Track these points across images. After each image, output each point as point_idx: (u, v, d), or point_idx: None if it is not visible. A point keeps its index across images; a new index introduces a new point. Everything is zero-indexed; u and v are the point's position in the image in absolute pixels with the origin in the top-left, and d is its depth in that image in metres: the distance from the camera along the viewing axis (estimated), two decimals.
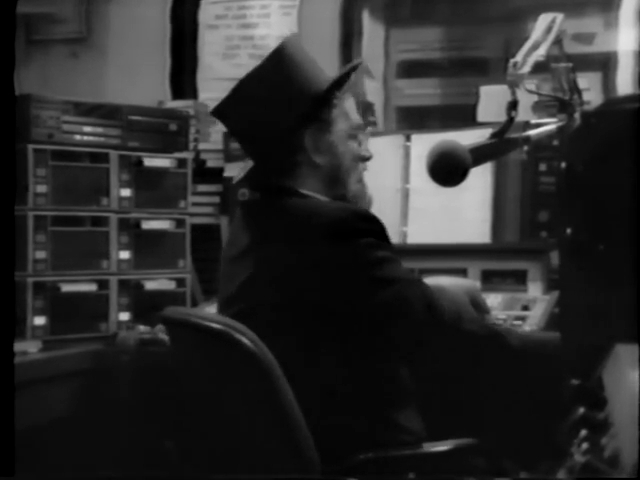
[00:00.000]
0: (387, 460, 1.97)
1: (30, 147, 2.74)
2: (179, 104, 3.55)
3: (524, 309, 2.66)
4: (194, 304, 3.13)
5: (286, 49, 2.13)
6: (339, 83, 2.14)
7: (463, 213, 2.96)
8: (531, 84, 2.42)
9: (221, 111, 2.17)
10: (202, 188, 3.46)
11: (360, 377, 2.00)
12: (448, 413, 2.15)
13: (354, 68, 2.21)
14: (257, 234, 2.09)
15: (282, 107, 2.08)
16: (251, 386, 1.90)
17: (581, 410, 1.41)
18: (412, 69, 3.67)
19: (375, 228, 2.03)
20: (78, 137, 2.89)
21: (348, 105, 2.17)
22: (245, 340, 1.85)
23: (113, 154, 2.94)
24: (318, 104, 2.11)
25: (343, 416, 1.95)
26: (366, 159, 2.21)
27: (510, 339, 2.08)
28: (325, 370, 1.96)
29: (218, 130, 3.56)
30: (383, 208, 2.56)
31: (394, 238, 3.01)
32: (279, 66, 2.10)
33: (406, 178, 3.06)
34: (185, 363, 2.15)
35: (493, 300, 2.77)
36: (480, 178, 2.87)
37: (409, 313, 1.99)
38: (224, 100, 2.15)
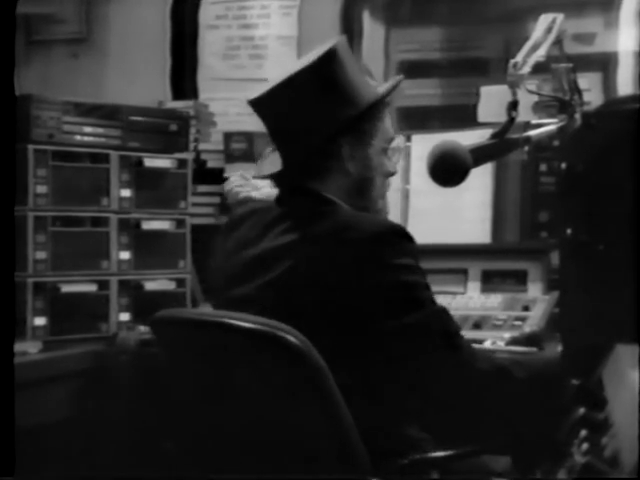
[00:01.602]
0: (420, 463, 1.96)
1: (30, 147, 2.74)
2: (179, 104, 3.55)
3: (524, 309, 2.66)
4: (194, 304, 3.13)
5: (338, 52, 2.06)
6: (380, 101, 2.11)
7: (463, 213, 2.96)
8: (531, 84, 2.42)
9: (261, 103, 2.10)
10: (202, 188, 3.46)
11: (370, 389, 1.98)
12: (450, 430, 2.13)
13: (394, 88, 2.17)
14: (290, 235, 2.02)
15: (327, 112, 2.04)
16: (301, 386, 1.85)
17: (581, 410, 1.41)
18: (412, 69, 3.66)
19: (412, 248, 2.00)
20: (78, 137, 2.89)
21: (387, 119, 2.15)
22: (293, 339, 1.80)
23: (113, 154, 2.94)
24: (363, 115, 2.07)
25: (361, 423, 1.94)
26: (392, 174, 2.18)
27: (516, 373, 2.04)
28: (347, 375, 1.94)
29: (218, 130, 3.57)
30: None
31: None
32: (329, 70, 2.04)
33: (406, 178, 3.06)
34: (196, 363, 2.10)
35: (493, 300, 2.78)
36: (480, 178, 2.87)
37: (427, 342, 1.96)
38: (267, 92, 2.07)
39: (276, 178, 2.16)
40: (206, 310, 2.17)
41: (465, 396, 1.97)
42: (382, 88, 2.15)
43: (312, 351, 1.81)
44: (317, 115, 2.04)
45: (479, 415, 2.02)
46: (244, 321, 1.88)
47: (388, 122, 2.16)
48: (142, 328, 2.87)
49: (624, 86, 3.25)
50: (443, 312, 1.99)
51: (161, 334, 2.12)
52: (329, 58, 2.05)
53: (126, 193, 2.97)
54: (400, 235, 1.98)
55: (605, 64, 3.30)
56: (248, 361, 1.93)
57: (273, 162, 2.15)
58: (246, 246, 2.12)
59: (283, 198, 2.13)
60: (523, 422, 2.04)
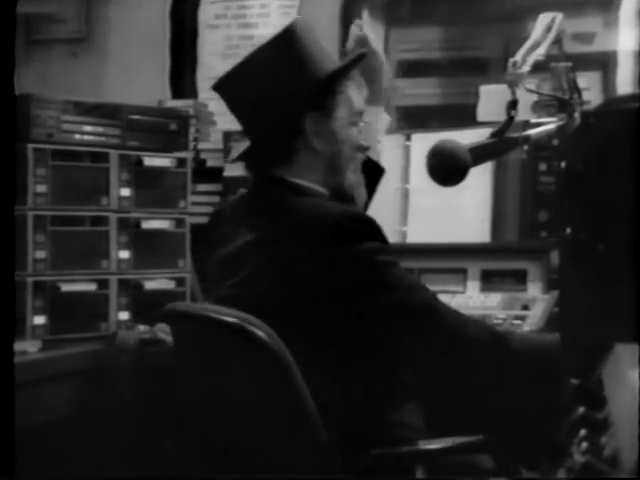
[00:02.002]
0: (391, 457, 1.96)
1: (30, 147, 2.74)
2: (179, 104, 3.54)
3: (524, 309, 2.66)
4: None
5: (296, 30, 2.09)
6: (344, 71, 2.13)
7: (463, 212, 2.96)
8: (531, 83, 2.42)
9: (223, 86, 2.13)
10: (202, 188, 3.46)
11: (357, 376, 1.99)
12: (449, 411, 2.14)
13: (360, 57, 2.19)
14: (255, 233, 2.05)
15: (286, 89, 2.05)
16: (267, 379, 1.89)
17: (581, 410, 1.41)
18: (412, 69, 3.66)
19: (375, 231, 2.02)
20: (78, 137, 2.89)
21: (352, 92, 2.14)
22: (260, 333, 1.84)
23: (113, 154, 2.94)
24: (322, 90, 2.08)
25: (339, 414, 1.95)
26: (365, 149, 2.19)
27: (512, 342, 2.07)
28: (322, 368, 1.95)
29: (218, 130, 3.57)
30: (383, 208, 2.56)
31: (394, 238, 3.03)
32: (287, 46, 2.07)
33: (406, 178, 3.07)
34: (191, 358, 2.14)
35: (493, 300, 2.78)
36: (480, 178, 2.87)
37: (411, 318, 1.98)
38: (227, 74, 2.11)
39: (246, 163, 2.18)
40: (196, 304, 2.22)
41: (456, 366, 1.99)
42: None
43: (279, 345, 1.85)
44: (276, 92, 2.05)
45: (473, 387, 2.03)
46: (218, 314, 1.94)
47: (354, 94, 2.15)
48: (142, 327, 2.87)
49: (623, 85, 3.25)
50: (420, 287, 2.02)
51: (170, 325, 2.21)
52: (286, 35, 2.07)
53: (126, 192, 2.96)
54: (362, 221, 2.00)
55: (604, 63, 3.30)
56: (223, 353, 1.98)
57: (241, 147, 2.17)
58: (221, 244, 2.15)
59: (254, 187, 2.14)
60: (519, 399, 2.05)
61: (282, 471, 1.89)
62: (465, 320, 2.02)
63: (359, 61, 2.18)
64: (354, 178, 2.15)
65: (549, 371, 1.96)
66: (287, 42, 2.07)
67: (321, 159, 2.09)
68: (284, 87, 2.05)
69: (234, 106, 2.15)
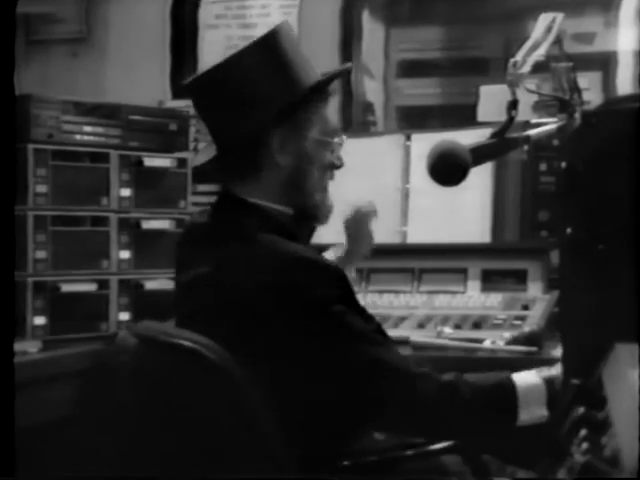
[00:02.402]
0: (366, 466, 1.95)
1: (30, 147, 2.74)
2: (179, 104, 3.55)
3: (524, 309, 2.66)
4: None
5: (277, 36, 1.97)
6: (320, 88, 2.02)
7: (463, 213, 2.96)
8: (531, 84, 2.42)
9: (194, 87, 2.01)
10: (202, 188, 3.46)
11: (310, 409, 1.91)
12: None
13: (337, 75, 2.12)
14: (208, 266, 1.95)
15: (257, 100, 1.94)
16: (220, 399, 1.87)
17: (581, 410, 1.41)
18: (412, 69, 3.67)
19: (333, 278, 1.90)
20: (78, 137, 2.89)
21: (326, 110, 2.04)
22: (211, 355, 1.81)
23: (113, 154, 2.94)
24: (295, 106, 1.97)
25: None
26: (337, 167, 2.07)
27: (466, 390, 1.95)
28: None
29: None
30: (383, 208, 2.56)
31: (394, 238, 3.03)
32: (264, 54, 1.96)
33: (406, 178, 3.07)
34: (149, 380, 2.11)
35: (493, 299, 2.78)
36: (480, 178, 2.87)
37: (354, 373, 1.88)
38: (200, 76, 2.00)
39: (210, 172, 2.10)
40: (153, 325, 2.17)
41: (409, 422, 1.93)
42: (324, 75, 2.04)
43: (231, 366, 1.81)
44: (247, 102, 1.95)
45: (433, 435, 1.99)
46: (170, 336, 1.91)
47: (329, 112, 2.06)
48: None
49: (624, 85, 3.25)
50: (364, 341, 1.89)
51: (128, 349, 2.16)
52: (264, 43, 1.97)
53: (126, 192, 2.96)
54: (316, 268, 1.90)
55: (605, 63, 3.30)
56: (177, 375, 1.95)
57: (208, 152, 2.07)
58: (180, 270, 2.08)
59: (215, 207, 2.05)
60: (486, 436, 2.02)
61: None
62: (414, 375, 1.89)
63: (338, 77, 2.10)
64: (320, 197, 2.04)
65: (509, 410, 1.93)
66: (267, 48, 1.97)
67: (284, 175, 1.98)
68: (256, 98, 1.94)
69: (201, 110, 2.03)
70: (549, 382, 1.92)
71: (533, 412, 1.91)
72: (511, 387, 1.92)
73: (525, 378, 1.94)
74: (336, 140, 2.05)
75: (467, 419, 1.91)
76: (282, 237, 1.93)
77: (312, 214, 2.05)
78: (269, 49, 1.97)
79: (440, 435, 2.00)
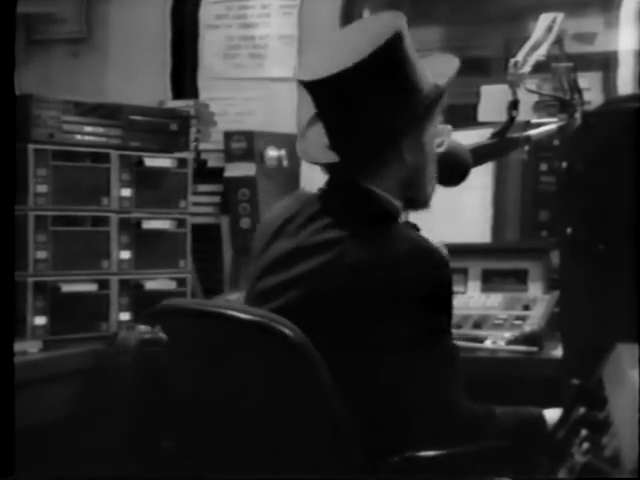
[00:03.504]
0: (415, 462, 1.95)
1: (31, 147, 2.74)
2: (180, 104, 3.54)
3: (525, 309, 2.66)
4: None
5: (400, 40, 1.95)
6: (453, 76, 2.04)
7: (464, 213, 2.96)
8: (532, 84, 2.42)
9: (324, 86, 1.94)
10: (203, 188, 3.46)
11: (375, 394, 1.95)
12: None
13: (455, 72, 2.10)
14: (321, 237, 1.95)
15: (396, 101, 1.94)
16: (294, 378, 1.85)
17: (581, 410, 1.41)
18: None
19: (444, 276, 1.94)
20: (79, 137, 2.89)
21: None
22: (287, 331, 1.79)
23: (114, 154, 2.94)
24: (430, 104, 2.00)
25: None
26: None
27: (491, 427, 1.99)
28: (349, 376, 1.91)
29: (219, 130, 3.56)
30: None
31: None
32: (393, 57, 1.93)
33: None
34: (193, 356, 2.07)
35: (494, 300, 2.78)
36: (481, 178, 2.87)
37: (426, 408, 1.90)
38: (332, 76, 1.91)
39: (329, 169, 2.05)
40: (205, 301, 2.15)
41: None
42: (443, 77, 2.05)
43: (307, 344, 1.80)
44: (387, 104, 1.94)
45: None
46: (242, 312, 1.87)
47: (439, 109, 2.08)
48: (142, 328, 2.87)
49: (624, 85, 3.25)
50: (452, 376, 1.92)
51: (166, 325, 2.12)
52: (398, 40, 1.94)
53: (126, 192, 2.97)
54: (435, 264, 1.93)
55: (605, 63, 3.29)
56: (246, 352, 1.92)
57: (319, 146, 2.04)
58: (284, 237, 2.04)
59: (331, 190, 2.03)
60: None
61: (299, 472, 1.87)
62: (486, 419, 1.92)
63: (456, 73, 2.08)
64: (431, 191, 2.09)
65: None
66: (393, 51, 1.93)
67: (408, 172, 2.01)
68: (393, 101, 1.94)
69: (330, 112, 1.98)
70: None
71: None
72: (540, 419, 1.94)
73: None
74: (446, 128, 2.09)
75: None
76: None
77: (421, 206, 2.10)
78: (396, 50, 1.94)
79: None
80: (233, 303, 1.99)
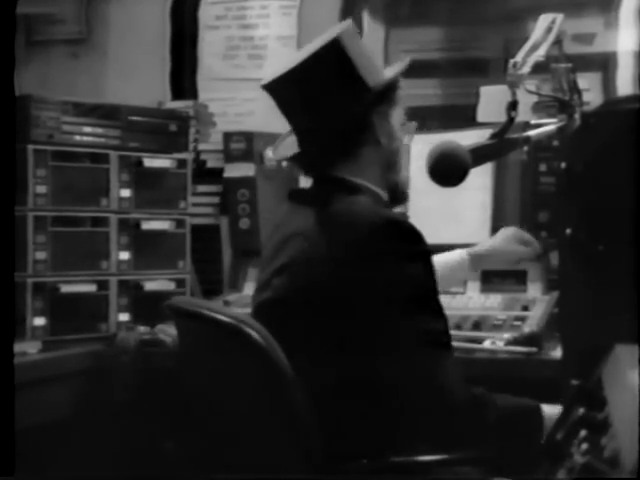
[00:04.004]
0: (384, 468, 1.95)
1: (30, 147, 2.75)
2: (179, 104, 3.55)
3: (524, 309, 2.66)
4: None
5: (340, 42, 2.06)
6: (406, 65, 2.17)
7: (463, 213, 2.96)
8: (531, 84, 2.42)
9: (277, 87, 2.07)
10: (202, 188, 3.46)
11: (360, 384, 1.97)
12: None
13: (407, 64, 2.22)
14: (296, 225, 2.04)
15: (357, 83, 2.04)
16: (258, 381, 1.89)
17: (581, 410, 1.41)
18: (412, 69, 3.66)
19: (412, 239, 1.97)
20: (78, 137, 2.89)
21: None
22: (254, 334, 1.84)
23: (113, 154, 2.94)
24: (394, 82, 2.11)
25: (341, 419, 1.94)
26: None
27: (490, 413, 1.99)
28: (328, 370, 1.94)
29: (218, 131, 3.57)
30: None
31: None
32: (351, 41, 2.06)
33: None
34: (190, 356, 2.15)
35: (493, 300, 2.78)
36: (480, 178, 2.87)
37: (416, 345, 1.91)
38: (283, 75, 2.05)
39: (299, 163, 2.15)
40: (193, 300, 2.22)
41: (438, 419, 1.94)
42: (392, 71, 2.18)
43: (274, 347, 1.84)
44: (335, 97, 2.03)
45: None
46: (213, 312, 1.94)
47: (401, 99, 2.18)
48: (142, 328, 2.87)
49: (623, 86, 3.25)
50: (435, 318, 1.94)
51: (174, 320, 2.21)
52: (338, 42, 2.04)
53: (126, 193, 2.97)
54: (399, 230, 1.96)
55: (605, 64, 3.29)
56: (218, 352, 2.00)
57: (289, 145, 2.12)
58: (276, 230, 2.14)
59: (312, 184, 2.12)
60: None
61: (269, 472, 1.89)
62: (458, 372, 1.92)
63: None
64: (405, 175, 2.15)
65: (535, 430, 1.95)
66: (349, 39, 2.06)
67: (382, 154, 2.09)
68: (354, 82, 2.04)
69: (287, 107, 2.10)
70: None
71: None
72: (537, 410, 1.96)
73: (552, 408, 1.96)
74: (410, 123, 2.19)
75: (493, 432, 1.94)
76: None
77: (401, 193, 2.15)
78: (347, 42, 2.05)
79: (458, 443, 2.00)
80: (212, 304, 2.05)
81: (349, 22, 2.12)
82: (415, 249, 1.96)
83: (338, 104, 2.03)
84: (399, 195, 2.15)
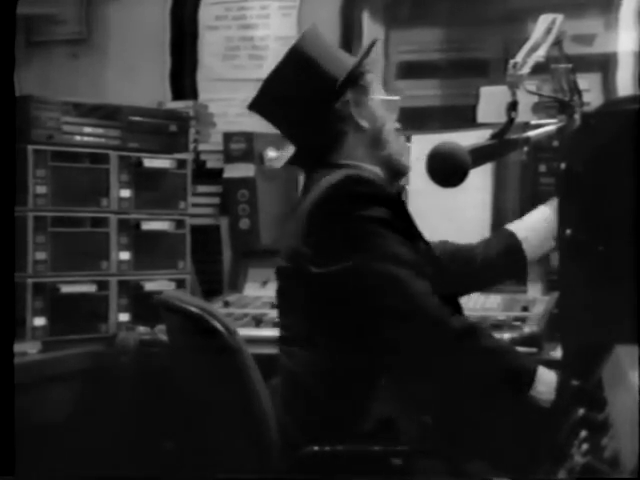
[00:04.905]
0: (336, 455, 1.99)
1: (30, 148, 2.75)
2: (179, 105, 3.55)
3: (524, 310, 2.66)
4: None
5: (312, 31, 2.24)
6: (369, 52, 2.27)
7: (463, 213, 2.96)
8: (531, 85, 2.42)
9: (259, 104, 2.24)
10: (202, 189, 3.46)
11: (334, 351, 2.03)
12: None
13: (374, 43, 2.30)
14: (300, 205, 2.16)
15: (321, 81, 2.16)
16: (222, 370, 1.97)
17: (581, 411, 1.41)
18: (412, 70, 3.66)
19: (369, 193, 2.07)
20: (78, 138, 2.89)
21: (375, 79, 2.28)
22: (217, 324, 1.94)
23: (113, 155, 2.95)
24: (353, 71, 2.18)
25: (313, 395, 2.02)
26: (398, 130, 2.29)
27: (484, 339, 2.04)
28: (306, 340, 2.05)
29: (218, 131, 3.57)
30: None
31: None
32: (311, 42, 2.20)
33: (406, 179, 3.06)
34: (174, 349, 2.25)
35: (493, 301, 2.78)
36: (480, 179, 2.87)
37: (375, 287, 2.02)
38: (259, 93, 2.21)
39: (297, 164, 2.31)
40: (177, 294, 2.34)
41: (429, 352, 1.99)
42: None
43: (236, 337, 1.95)
44: (313, 86, 2.17)
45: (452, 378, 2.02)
46: (183, 303, 2.06)
47: (377, 82, 2.29)
48: (142, 329, 2.87)
49: (624, 87, 3.25)
50: (392, 260, 2.02)
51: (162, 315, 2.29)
52: (305, 38, 2.21)
53: (126, 193, 2.97)
54: (356, 183, 2.08)
55: (605, 65, 3.30)
56: (189, 342, 2.11)
57: (287, 152, 2.28)
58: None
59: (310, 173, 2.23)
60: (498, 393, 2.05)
61: (231, 469, 1.96)
62: (436, 306, 2.00)
63: (373, 47, 2.30)
64: (397, 147, 2.23)
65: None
66: (308, 42, 2.20)
67: (367, 137, 2.19)
68: (319, 80, 2.16)
69: (272, 119, 2.26)
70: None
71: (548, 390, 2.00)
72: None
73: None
74: (394, 98, 2.30)
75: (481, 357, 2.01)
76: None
77: (395, 165, 2.23)
78: (308, 44, 2.21)
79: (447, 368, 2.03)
80: (191, 297, 2.24)
81: (311, 26, 2.27)
82: (371, 195, 2.07)
83: (311, 102, 2.17)
84: (395, 166, 2.24)
